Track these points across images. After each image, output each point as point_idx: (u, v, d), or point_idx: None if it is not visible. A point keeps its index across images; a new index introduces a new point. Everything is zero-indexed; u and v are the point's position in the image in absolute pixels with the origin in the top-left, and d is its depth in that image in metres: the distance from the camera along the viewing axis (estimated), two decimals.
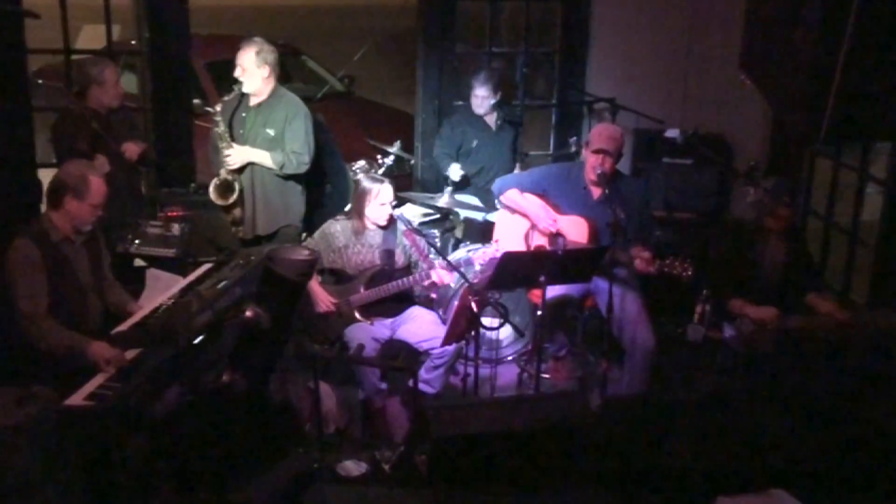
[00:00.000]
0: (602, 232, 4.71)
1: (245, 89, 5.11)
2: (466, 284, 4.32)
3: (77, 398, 3.46)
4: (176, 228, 5.09)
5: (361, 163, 5.97)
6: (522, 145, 6.24)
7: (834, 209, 5.59)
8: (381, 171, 5.81)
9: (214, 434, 3.45)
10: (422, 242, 4.82)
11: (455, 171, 5.67)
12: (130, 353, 3.74)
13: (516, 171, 5.83)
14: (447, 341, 4.45)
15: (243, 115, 5.20)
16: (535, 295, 4.78)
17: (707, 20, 6.23)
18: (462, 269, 4.59)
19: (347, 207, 5.27)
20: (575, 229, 4.77)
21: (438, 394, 4.65)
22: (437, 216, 5.83)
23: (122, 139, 5.09)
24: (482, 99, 5.75)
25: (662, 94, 6.33)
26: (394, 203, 4.82)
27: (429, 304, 5.01)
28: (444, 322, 4.74)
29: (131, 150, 5.09)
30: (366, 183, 4.79)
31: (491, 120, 5.88)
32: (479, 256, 4.75)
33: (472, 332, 4.34)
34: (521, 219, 4.97)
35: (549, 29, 6.84)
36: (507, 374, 5.18)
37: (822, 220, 5.64)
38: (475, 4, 7.01)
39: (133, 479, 3.33)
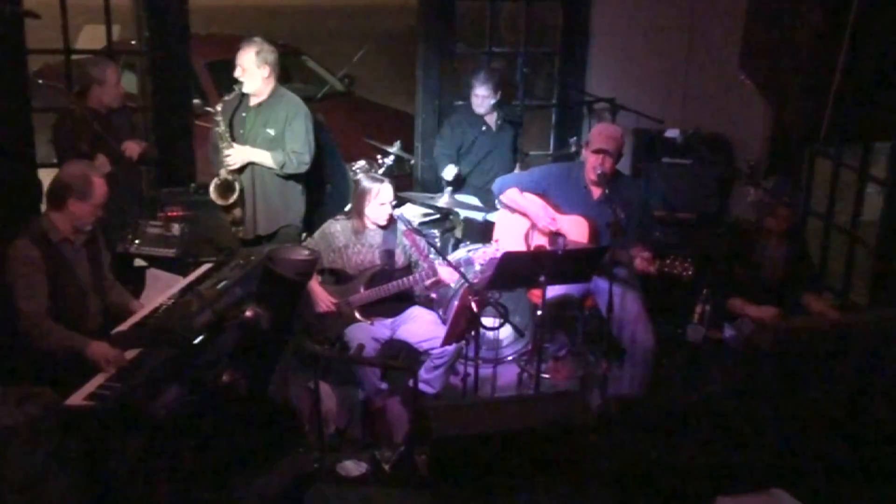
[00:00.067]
0: (602, 232, 4.72)
1: (245, 89, 5.11)
2: (466, 284, 4.32)
3: (77, 398, 3.46)
4: (176, 228, 5.09)
5: (361, 163, 5.97)
6: (522, 145, 6.24)
7: (834, 209, 5.59)
8: (381, 171, 5.81)
9: (214, 434, 3.45)
10: (422, 242, 4.82)
11: (449, 172, 5.66)
12: (130, 353, 3.74)
13: (516, 170, 5.83)
14: (447, 341, 4.46)
15: (243, 114, 5.20)
16: (535, 295, 4.78)
17: (707, 20, 6.23)
18: (462, 269, 4.58)
19: (347, 207, 5.27)
20: (575, 229, 4.77)
21: (438, 394, 4.66)
22: (437, 216, 5.83)
23: (122, 139, 5.10)
24: (482, 98, 5.75)
25: (662, 94, 6.34)
26: (394, 203, 4.82)
27: (429, 304, 5.01)
28: (444, 322, 4.74)
29: (132, 148, 5.09)
30: (366, 182, 4.79)
31: (491, 120, 5.88)
32: (479, 256, 4.75)
33: (472, 332, 4.34)
34: (521, 219, 4.97)
35: (549, 29, 6.84)
36: (507, 374, 5.18)
37: (822, 220, 5.64)
38: (475, 4, 7.03)
39: (133, 479, 3.33)
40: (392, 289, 4.70)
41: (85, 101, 5.07)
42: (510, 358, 5.33)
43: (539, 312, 4.50)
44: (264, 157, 5.12)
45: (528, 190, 4.91)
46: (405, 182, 6.40)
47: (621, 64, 6.38)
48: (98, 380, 3.60)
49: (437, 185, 6.01)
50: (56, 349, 3.77)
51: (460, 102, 6.22)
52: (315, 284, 4.68)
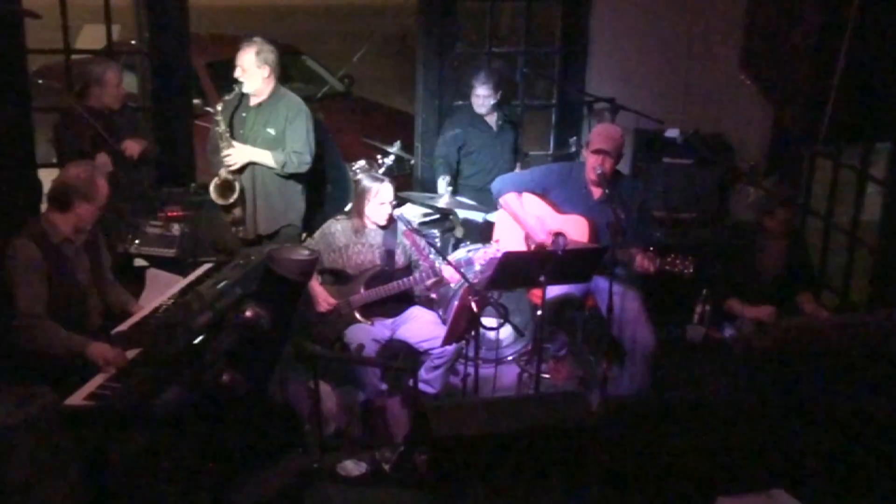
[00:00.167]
0: (603, 232, 4.71)
1: (245, 89, 5.11)
2: (466, 284, 4.32)
3: (77, 398, 3.45)
4: (176, 228, 5.10)
5: (361, 163, 5.96)
6: (522, 145, 6.24)
7: (834, 209, 5.59)
8: (381, 171, 5.80)
9: (214, 434, 3.45)
10: (422, 242, 4.82)
11: (442, 184, 5.64)
12: (130, 353, 3.74)
13: (516, 170, 5.83)
14: (447, 341, 4.46)
15: (244, 114, 5.20)
16: (535, 295, 4.78)
17: (707, 20, 6.23)
18: (462, 269, 4.58)
19: (347, 207, 5.27)
20: (576, 229, 4.77)
21: (438, 394, 4.66)
22: (437, 216, 5.82)
23: (124, 139, 5.10)
24: (483, 98, 5.75)
25: (662, 94, 6.33)
26: (394, 203, 4.82)
27: (429, 304, 5.01)
28: (444, 322, 4.74)
29: (132, 147, 5.09)
30: (366, 182, 4.79)
31: (492, 120, 5.88)
32: (479, 256, 4.74)
33: (472, 332, 4.33)
34: None
35: (549, 29, 6.84)
36: (507, 374, 5.18)
37: (822, 220, 5.64)
38: (475, 4, 7.02)
39: (133, 479, 3.34)
40: (392, 289, 4.70)
41: (85, 101, 5.07)
42: (510, 358, 5.33)
43: (539, 312, 4.50)
44: (265, 157, 5.12)
45: (528, 190, 4.91)
46: (405, 182, 6.39)
47: (621, 64, 6.37)
48: (98, 380, 3.60)
49: (436, 186, 6.01)
50: (56, 350, 3.76)
51: (460, 102, 6.22)
52: (315, 284, 4.68)
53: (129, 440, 3.36)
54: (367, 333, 4.60)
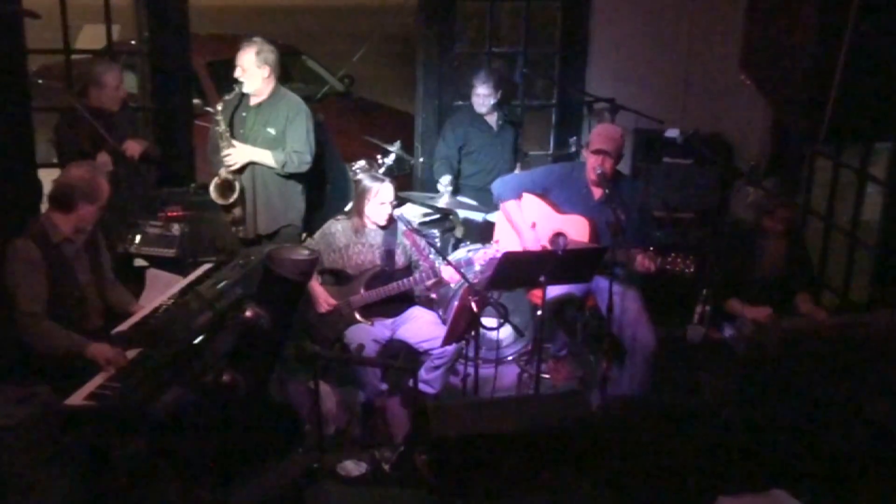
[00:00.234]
0: (603, 232, 4.71)
1: (245, 89, 5.11)
2: (466, 284, 4.31)
3: (77, 398, 3.46)
4: (176, 228, 5.10)
5: (361, 163, 5.96)
6: (522, 145, 6.24)
7: (834, 209, 5.59)
8: (381, 171, 5.80)
9: (214, 434, 3.45)
10: (422, 243, 4.82)
11: (444, 182, 5.63)
12: (130, 353, 3.74)
13: (517, 170, 5.83)
14: (447, 341, 4.45)
15: (244, 114, 5.20)
16: (536, 295, 4.78)
17: (707, 20, 6.23)
18: (462, 270, 4.58)
19: (347, 207, 5.27)
20: (576, 229, 4.77)
21: (438, 394, 4.65)
22: (437, 216, 5.83)
23: (124, 139, 5.10)
24: (484, 98, 5.75)
25: (662, 94, 6.33)
26: (394, 203, 4.82)
27: (429, 304, 5.01)
28: (444, 322, 4.74)
29: (132, 147, 5.10)
30: (366, 181, 4.79)
31: (492, 120, 5.88)
32: (479, 257, 4.74)
33: (472, 333, 4.34)
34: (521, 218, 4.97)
35: (548, 29, 6.84)
36: (507, 374, 5.18)
37: (822, 220, 5.64)
38: (475, 4, 7.02)
39: (133, 479, 3.33)
40: (392, 289, 4.70)
41: (86, 100, 5.07)
42: (510, 358, 5.33)
43: (539, 312, 4.50)
44: (265, 157, 5.12)
45: (528, 190, 4.91)
46: (405, 182, 6.40)
47: (621, 64, 6.38)
48: (98, 380, 3.60)
49: (437, 186, 6.01)
50: (56, 350, 3.77)
51: (460, 102, 6.22)
52: (315, 285, 4.68)
53: (129, 440, 3.36)
54: (368, 334, 4.60)
